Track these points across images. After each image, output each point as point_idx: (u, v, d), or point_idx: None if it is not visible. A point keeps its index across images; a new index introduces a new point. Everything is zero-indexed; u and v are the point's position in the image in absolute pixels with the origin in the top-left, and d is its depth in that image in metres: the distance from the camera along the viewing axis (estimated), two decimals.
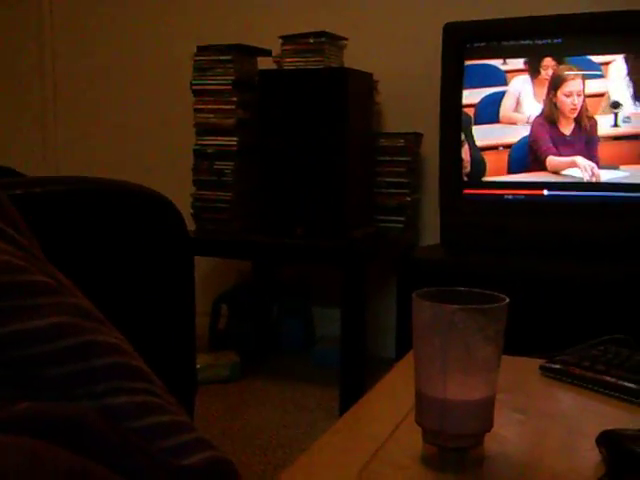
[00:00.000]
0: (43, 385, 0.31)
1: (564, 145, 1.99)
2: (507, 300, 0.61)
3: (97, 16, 3.03)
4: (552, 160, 2.01)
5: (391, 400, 0.82)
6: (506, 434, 0.71)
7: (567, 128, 1.99)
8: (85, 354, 0.32)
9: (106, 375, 0.33)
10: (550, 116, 2.00)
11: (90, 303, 0.38)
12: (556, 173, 2.01)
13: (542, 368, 0.92)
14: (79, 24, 3.07)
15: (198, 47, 2.42)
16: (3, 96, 3.20)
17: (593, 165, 1.97)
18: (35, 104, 3.15)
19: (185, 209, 2.31)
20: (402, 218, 2.45)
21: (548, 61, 1.99)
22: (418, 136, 2.50)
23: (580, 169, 1.98)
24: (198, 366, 2.19)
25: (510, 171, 2.06)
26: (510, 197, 2.05)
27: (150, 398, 0.35)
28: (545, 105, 2.01)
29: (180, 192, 2.35)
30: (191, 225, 2.41)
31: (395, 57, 2.57)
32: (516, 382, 0.87)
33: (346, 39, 2.45)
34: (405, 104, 2.57)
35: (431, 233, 2.51)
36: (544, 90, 2.00)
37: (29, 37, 3.13)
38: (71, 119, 3.13)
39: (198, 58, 2.41)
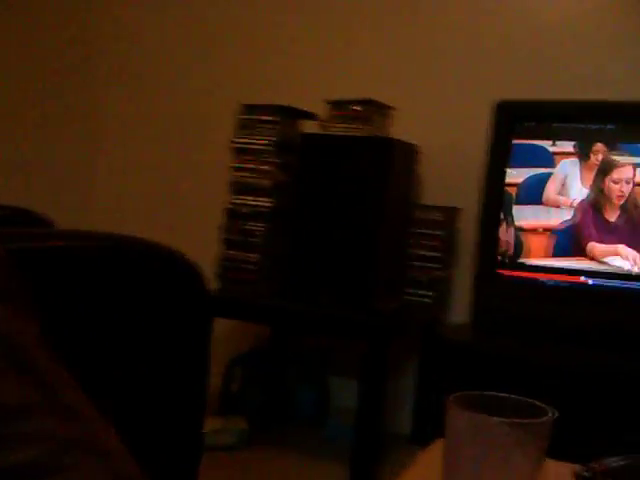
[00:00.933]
0: None
1: (607, 232, 1.93)
2: (555, 414, 0.54)
3: (142, 65, 3.08)
4: (594, 247, 1.94)
5: None
6: None
7: (612, 215, 1.93)
8: None
9: None
10: (596, 202, 1.95)
11: (80, 399, 0.33)
12: (597, 260, 1.94)
13: (577, 476, 0.84)
14: (124, 72, 3.12)
15: (244, 105, 2.42)
16: (47, 145, 3.25)
17: (636, 254, 1.90)
18: (76, 151, 3.18)
19: (211, 268, 2.28)
20: (431, 293, 2.39)
21: (599, 146, 1.95)
22: (456, 210, 2.45)
23: (623, 258, 1.91)
24: (205, 430, 2.11)
25: (548, 255, 1.99)
26: (549, 282, 1.98)
27: None
28: (592, 190, 1.95)
29: (208, 250, 2.33)
30: (216, 284, 2.36)
31: (439, 129, 2.55)
32: None
33: (393, 108, 2.43)
34: (445, 177, 2.54)
35: (461, 311, 2.43)
36: (592, 175, 1.95)
37: (78, 89, 3.19)
38: (109, 168, 3.15)
39: (242, 116, 2.41)
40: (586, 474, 0.82)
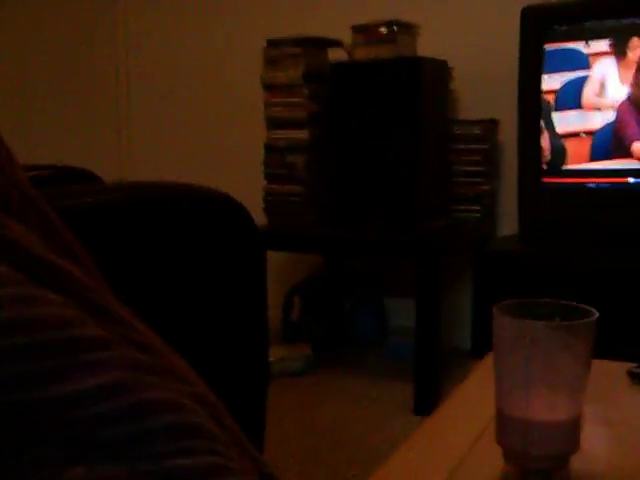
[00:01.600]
0: (97, 447, 0.30)
1: None
2: (596, 315, 0.56)
3: (168, 12, 3.06)
4: (638, 146, 1.91)
5: (469, 410, 0.79)
6: (593, 451, 0.66)
7: None
8: (141, 414, 0.31)
9: (163, 435, 0.31)
10: (637, 100, 1.90)
11: (153, 336, 0.37)
12: None
13: (631, 374, 0.86)
14: (151, 18, 3.11)
15: (268, 41, 2.41)
16: (78, 96, 3.28)
17: None
18: (109, 102, 3.22)
19: (257, 203, 2.31)
20: (478, 207, 2.39)
21: (635, 41, 1.89)
22: (494, 123, 2.42)
23: None
24: (271, 359, 2.19)
25: (592, 159, 1.97)
26: (593, 185, 1.96)
27: (212, 458, 0.33)
28: (632, 88, 1.90)
29: (252, 186, 2.36)
30: (263, 219, 2.41)
31: (470, 42, 2.50)
32: (601, 390, 0.82)
33: (419, 27, 2.39)
34: (481, 90, 2.50)
35: (509, 223, 2.43)
36: (631, 72, 1.90)
37: (103, 16, 3.20)
38: (144, 116, 3.18)
39: (268, 52, 2.40)
40: None
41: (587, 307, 0.58)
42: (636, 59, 1.89)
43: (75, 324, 0.31)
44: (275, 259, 2.70)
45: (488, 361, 0.91)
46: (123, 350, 0.32)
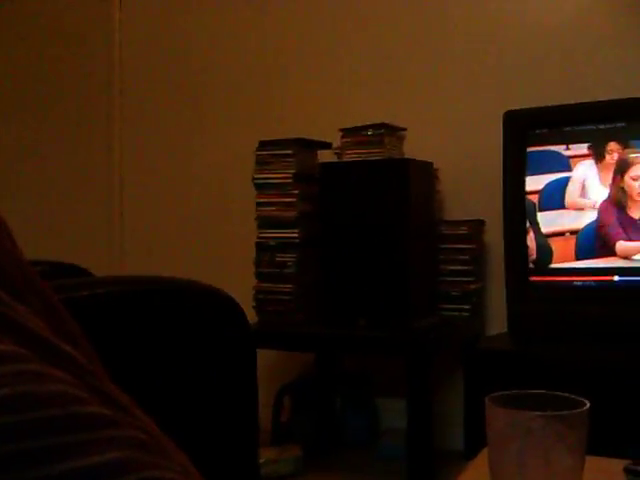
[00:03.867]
0: None
1: (634, 229, 1.94)
2: (588, 405, 0.57)
3: (163, 111, 3.16)
4: (622, 245, 1.95)
5: None
6: None
7: (636, 212, 1.94)
8: None
9: None
10: (618, 200, 1.96)
11: (150, 423, 0.37)
12: (626, 258, 1.95)
13: (627, 471, 0.85)
14: (146, 122, 3.20)
15: (260, 142, 2.48)
16: (70, 190, 3.33)
17: None
18: (101, 196, 3.26)
19: (248, 301, 2.32)
20: (467, 306, 2.40)
21: (613, 145, 1.97)
22: (481, 223, 2.47)
23: None
24: (261, 461, 2.13)
25: (578, 257, 2.00)
26: (579, 283, 1.99)
27: None
28: (612, 189, 1.97)
29: (243, 284, 2.37)
30: (253, 318, 2.41)
31: (455, 145, 2.58)
32: None
33: (405, 129, 2.48)
34: (466, 191, 2.56)
35: (498, 321, 2.44)
36: (610, 174, 1.97)
37: (98, 133, 3.28)
38: (136, 211, 3.22)
39: (260, 152, 2.47)
40: (638, 468, 0.83)
41: (578, 398, 0.59)
42: (613, 162, 1.97)
43: (81, 401, 0.31)
44: (265, 357, 2.67)
45: (481, 459, 0.90)
46: (129, 430, 0.32)
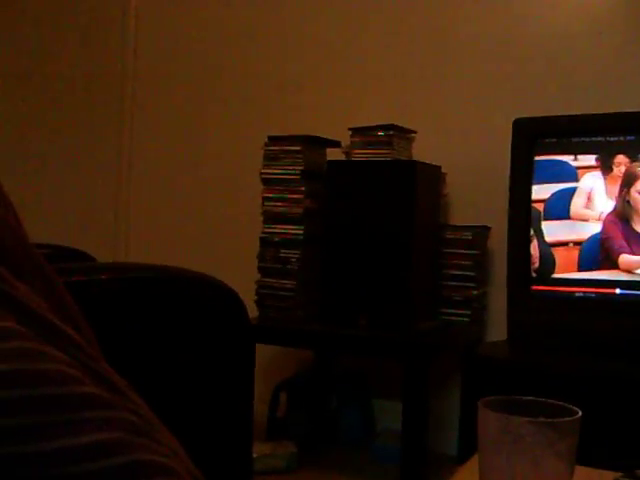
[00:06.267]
0: None
1: (638, 243, 1.94)
2: (579, 413, 0.57)
3: (173, 103, 3.17)
4: (625, 258, 1.95)
5: None
6: None
7: None
8: (133, 475, 0.31)
9: None
10: (623, 213, 1.96)
11: (145, 407, 0.37)
12: (629, 272, 1.95)
13: None
14: (156, 113, 3.21)
15: (269, 137, 2.49)
16: (78, 178, 3.34)
17: None
18: (109, 185, 3.28)
19: (249, 295, 2.32)
20: (468, 312, 2.40)
21: (620, 158, 1.97)
22: (485, 229, 2.47)
23: None
24: (255, 455, 2.14)
25: (580, 268, 2.00)
26: (580, 295, 1.99)
27: None
28: (617, 202, 1.97)
29: (245, 279, 2.37)
30: (254, 312, 2.41)
31: (464, 150, 2.59)
32: None
33: (415, 132, 2.48)
34: (473, 197, 2.56)
35: (498, 328, 2.44)
36: (616, 187, 1.97)
37: (109, 125, 3.29)
38: (142, 201, 3.23)
39: (268, 148, 2.48)
40: None
41: (571, 406, 0.59)
42: (621, 174, 1.97)
43: (76, 382, 0.32)
44: (264, 353, 2.69)
45: (473, 463, 0.91)
46: (122, 412, 0.33)
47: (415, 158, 2.44)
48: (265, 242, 2.47)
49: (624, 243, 1.96)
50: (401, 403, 2.08)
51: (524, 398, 0.62)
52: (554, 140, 2.05)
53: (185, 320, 0.81)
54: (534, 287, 2.05)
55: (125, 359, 0.73)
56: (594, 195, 2.00)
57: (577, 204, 2.02)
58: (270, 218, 2.47)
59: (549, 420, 0.56)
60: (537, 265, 2.05)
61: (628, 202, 1.96)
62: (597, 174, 1.99)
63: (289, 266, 2.41)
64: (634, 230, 1.95)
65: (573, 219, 2.02)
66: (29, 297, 0.35)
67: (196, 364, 0.82)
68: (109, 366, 0.39)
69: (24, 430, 0.29)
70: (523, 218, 2.06)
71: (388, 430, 2.59)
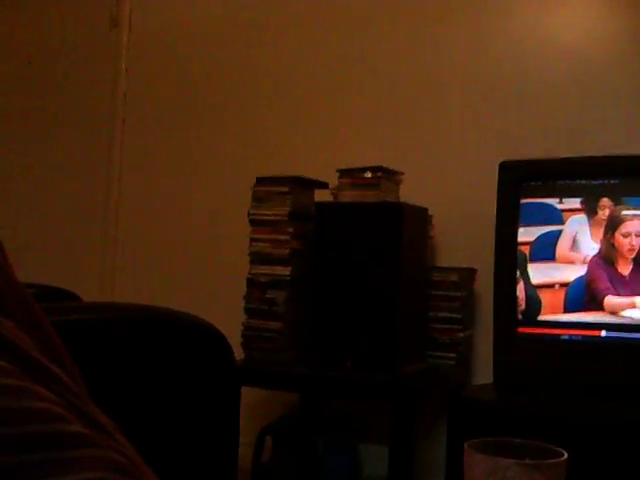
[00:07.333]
0: None
1: (623, 285, 1.95)
2: (565, 456, 0.57)
3: (162, 140, 3.19)
4: (610, 300, 1.96)
5: None
6: None
7: (625, 268, 1.96)
8: None
9: None
10: (607, 256, 1.98)
11: (130, 448, 0.37)
12: (614, 314, 1.96)
13: None
14: (143, 153, 3.22)
15: (257, 178, 2.50)
16: (65, 217, 3.34)
17: None
18: (96, 224, 3.27)
19: (236, 337, 2.31)
20: (454, 354, 2.40)
21: (605, 201, 1.99)
22: (472, 271, 2.48)
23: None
24: None
25: (566, 310, 2.01)
26: (566, 337, 1.99)
27: None
28: (602, 245, 1.99)
29: (232, 320, 2.36)
30: (240, 354, 2.39)
31: (450, 192, 2.61)
32: None
33: (402, 173, 2.50)
34: (459, 239, 2.58)
35: (484, 371, 2.43)
36: (601, 230, 1.99)
37: (98, 163, 3.30)
38: (129, 241, 3.22)
39: (256, 189, 2.49)
40: None
41: (557, 448, 0.59)
42: (605, 217, 1.99)
43: (62, 420, 0.31)
44: (250, 395, 2.65)
45: None
46: (107, 451, 0.33)
47: (402, 199, 2.46)
48: (252, 283, 2.46)
49: (609, 285, 1.97)
50: (387, 447, 2.06)
51: (510, 440, 0.62)
52: (540, 183, 2.08)
53: (171, 361, 0.81)
54: (520, 329, 2.05)
55: (110, 399, 0.73)
56: (579, 238, 2.02)
57: (562, 246, 2.04)
58: (257, 259, 2.47)
59: (535, 462, 0.56)
60: (523, 307, 2.06)
61: (613, 245, 1.98)
62: (582, 217, 2.02)
63: (275, 307, 2.40)
64: (619, 272, 1.96)
65: (559, 261, 2.04)
66: (16, 334, 0.35)
67: (181, 405, 0.82)
68: (95, 406, 0.39)
69: (7, 469, 0.29)
70: (509, 260, 2.07)
71: (374, 476, 2.55)
